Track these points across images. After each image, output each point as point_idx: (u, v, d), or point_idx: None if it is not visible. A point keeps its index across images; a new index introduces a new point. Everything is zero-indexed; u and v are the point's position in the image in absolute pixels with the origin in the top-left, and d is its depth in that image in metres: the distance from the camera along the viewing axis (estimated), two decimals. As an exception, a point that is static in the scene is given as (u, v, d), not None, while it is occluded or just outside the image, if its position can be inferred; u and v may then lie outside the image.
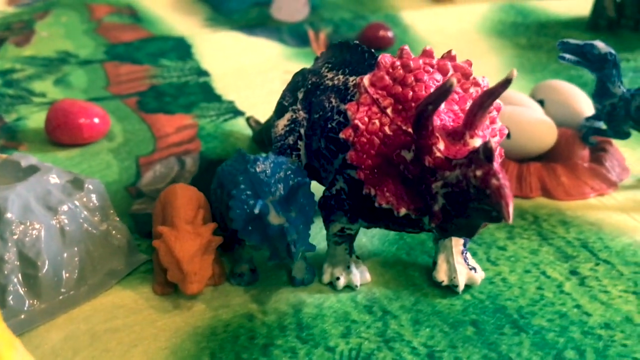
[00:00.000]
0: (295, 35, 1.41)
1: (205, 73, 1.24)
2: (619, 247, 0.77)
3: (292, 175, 0.67)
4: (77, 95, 1.14)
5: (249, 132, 1.01)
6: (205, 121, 1.06)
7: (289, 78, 0.79)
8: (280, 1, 1.50)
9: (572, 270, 0.73)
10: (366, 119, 0.62)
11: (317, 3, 1.59)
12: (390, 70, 0.63)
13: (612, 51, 0.85)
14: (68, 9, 1.55)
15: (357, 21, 1.50)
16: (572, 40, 0.87)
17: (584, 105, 0.94)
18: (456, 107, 0.62)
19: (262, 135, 0.93)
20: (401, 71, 0.62)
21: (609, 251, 0.76)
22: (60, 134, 0.97)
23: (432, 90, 0.61)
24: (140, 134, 1.02)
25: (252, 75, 1.23)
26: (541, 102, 0.95)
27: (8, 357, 0.42)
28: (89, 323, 0.66)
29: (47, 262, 0.68)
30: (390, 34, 1.34)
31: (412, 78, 0.62)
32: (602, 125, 0.89)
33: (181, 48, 1.35)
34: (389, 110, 0.62)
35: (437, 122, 0.59)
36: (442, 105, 0.60)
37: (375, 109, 0.62)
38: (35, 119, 1.06)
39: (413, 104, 0.61)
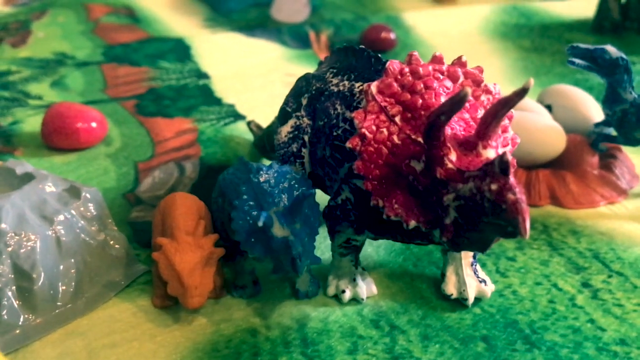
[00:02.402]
0: (296, 37, 1.39)
1: (204, 75, 1.21)
2: (632, 259, 0.75)
3: (296, 185, 0.65)
4: (74, 98, 1.12)
5: (249, 136, 0.99)
6: (205, 125, 1.03)
7: (290, 81, 0.77)
8: (280, 2, 1.48)
9: (584, 283, 0.71)
10: (374, 127, 0.60)
11: (317, 4, 1.57)
12: (399, 76, 0.60)
13: (624, 56, 0.83)
14: (65, 9, 1.53)
15: (358, 22, 1.47)
16: (582, 45, 0.85)
17: (593, 111, 0.92)
18: (467, 115, 0.60)
19: (264, 140, 0.91)
20: (410, 78, 0.60)
21: (622, 262, 0.74)
22: (57, 138, 0.95)
23: (442, 97, 0.59)
24: (139, 138, 1.00)
25: (253, 77, 1.20)
26: (549, 107, 0.93)
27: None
28: (86, 338, 0.64)
29: (42, 274, 0.66)
30: (392, 35, 1.32)
31: (422, 85, 0.59)
32: (612, 131, 0.87)
33: (180, 49, 1.32)
34: (397, 119, 0.59)
35: (448, 131, 0.57)
36: (453, 114, 0.57)
37: (383, 117, 0.60)
38: (31, 122, 1.04)
39: (423, 112, 0.59)
